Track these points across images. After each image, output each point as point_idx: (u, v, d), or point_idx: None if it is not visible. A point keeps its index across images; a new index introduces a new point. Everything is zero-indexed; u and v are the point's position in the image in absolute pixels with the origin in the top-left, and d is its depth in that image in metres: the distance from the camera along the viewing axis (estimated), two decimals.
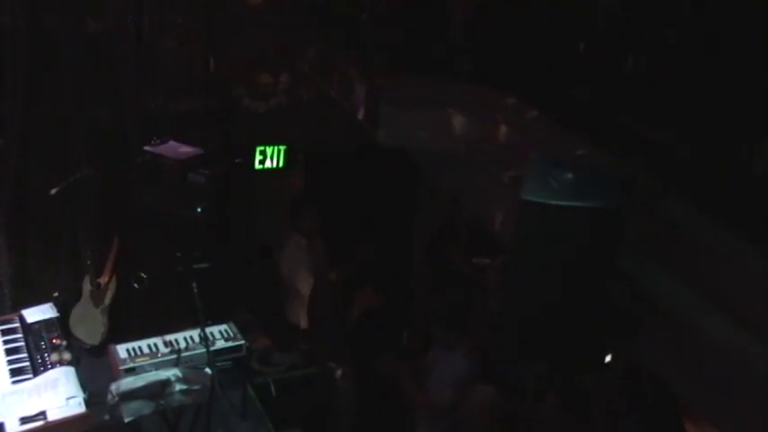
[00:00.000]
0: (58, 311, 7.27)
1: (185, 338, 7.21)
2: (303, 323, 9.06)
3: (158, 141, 8.35)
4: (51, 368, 6.48)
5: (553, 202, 4.66)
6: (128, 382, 6.00)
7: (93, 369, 7.22)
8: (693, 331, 4.54)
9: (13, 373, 6.51)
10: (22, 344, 6.84)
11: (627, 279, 4.85)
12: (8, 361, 6.63)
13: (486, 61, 7.12)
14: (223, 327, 7.45)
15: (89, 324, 7.97)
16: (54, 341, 6.81)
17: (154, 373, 6.20)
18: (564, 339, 4.77)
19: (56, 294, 7.58)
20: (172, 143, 8.42)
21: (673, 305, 4.70)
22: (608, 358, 4.98)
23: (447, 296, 8.31)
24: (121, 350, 7.04)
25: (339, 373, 8.27)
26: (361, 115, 7.58)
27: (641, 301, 4.82)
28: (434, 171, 8.27)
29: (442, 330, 7.06)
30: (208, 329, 7.05)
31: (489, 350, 6.68)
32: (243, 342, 7.34)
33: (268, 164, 8.86)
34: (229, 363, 7.20)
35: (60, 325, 7.12)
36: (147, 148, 8.26)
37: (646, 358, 5.20)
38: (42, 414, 5.94)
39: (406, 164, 8.87)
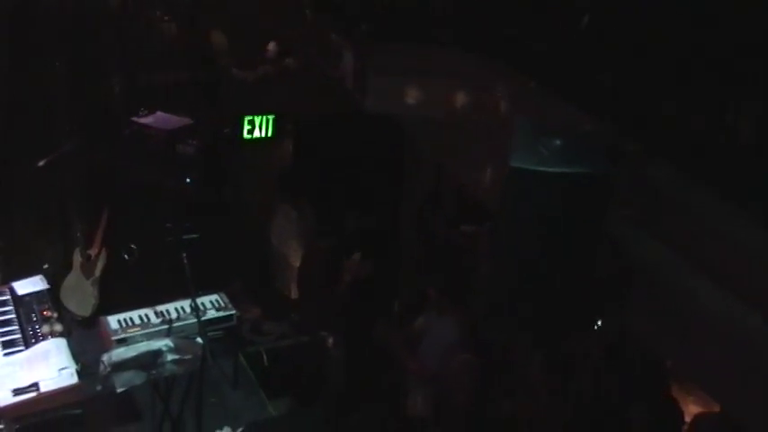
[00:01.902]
0: (49, 283, 7.26)
1: (176, 309, 7.23)
2: (293, 293, 9.09)
3: (146, 112, 8.33)
4: (43, 340, 6.48)
5: (540, 169, 4.67)
6: (119, 353, 6.03)
7: (85, 340, 7.26)
8: (679, 295, 4.58)
9: (5, 345, 6.51)
10: (13, 316, 6.84)
11: (613, 244, 4.87)
12: None
13: (472, 28, 7.10)
14: (214, 297, 7.49)
15: (80, 296, 8.00)
16: (45, 313, 6.80)
17: (145, 343, 6.23)
18: (550, 304, 4.80)
19: (46, 266, 7.59)
20: (159, 114, 8.41)
21: (658, 270, 4.73)
22: (594, 322, 5.00)
23: (437, 263, 8.34)
24: (113, 321, 7.07)
25: (330, 341, 8.31)
26: (348, 83, 7.55)
27: (627, 267, 4.85)
28: (421, 138, 8.27)
29: (433, 298, 7.07)
30: (198, 300, 7.07)
31: (477, 315, 6.71)
32: (233, 312, 7.38)
33: (256, 133, 8.84)
34: (220, 332, 7.24)
35: (51, 297, 7.12)
36: (134, 119, 8.25)
37: (632, 322, 5.24)
38: (35, 385, 5.96)
39: (393, 132, 8.87)
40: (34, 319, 6.78)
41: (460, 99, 6.82)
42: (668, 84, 5.17)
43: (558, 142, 4.78)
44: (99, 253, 8.10)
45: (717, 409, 6.15)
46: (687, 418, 6.26)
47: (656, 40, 5.21)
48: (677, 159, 4.92)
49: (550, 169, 4.65)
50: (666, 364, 6.15)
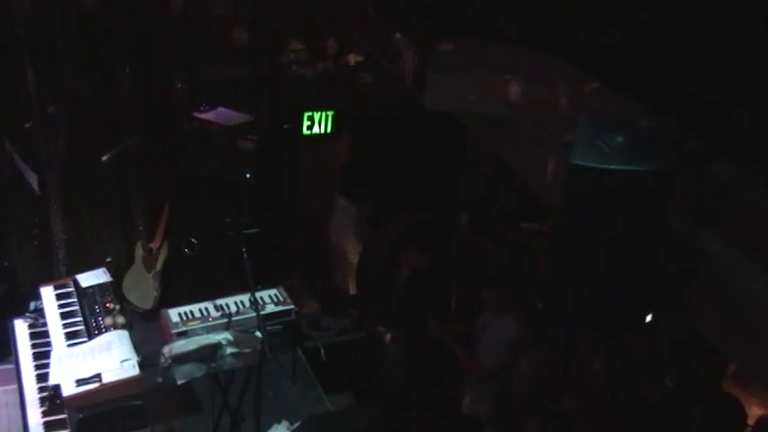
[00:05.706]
0: (111, 276, 7.39)
1: (236, 303, 7.30)
2: (351, 288, 9.11)
3: (207, 108, 8.40)
4: (105, 331, 6.60)
5: (602, 166, 4.61)
6: (180, 346, 6.10)
7: (146, 333, 7.38)
8: (743, 295, 4.49)
9: (69, 336, 6.64)
10: (77, 308, 6.98)
11: (676, 242, 4.80)
12: (63, 324, 6.77)
13: (532, 23, 7.05)
14: (273, 291, 7.54)
15: (141, 289, 8.11)
16: (108, 305, 6.92)
17: (205, 336, 6.30)
18: (611, 302, 4.74)
19: (109, 259, 7.71)
20: (220, 110, 8.47)
21: (722, 269, 4.65)
22: (649, 318, 4.90)
23: (496, 260, 8.29)
24: (173, 314, 7.15)
25: (388, 337, 8.32)
26: (408, 79, 7.53)
27: (690, 265, 4.78)
28: (481, 135, 8.22)
29: (492, 295, 7.03)
30: (258, 294, 7.13)
31: (538, 314, 6.66)
32: (292, 306, 7.43)
33: (316, 129, 8.87)
34: (279, 327, 7.29)
35: (113, 289, 7.24)
36: (196, 114, 8.32)
37: (694, 321, 5.17)
38: (97, 376, 6.07)
39: (452, 127, 8.84)
40: (97, 310, 6.90)
41: (520, 95, 6.78)
42: (733, 79, 5.07)
43: (619, 139, 4.71)
44: (160, 247, 8.21)
45: None
46: (750, 421, 6.16)
47: (718, 33, 5.12)
48: (742, 156, 4.83)
49: (611, 166, 4.58)
50: (727, 362, 6.06)
